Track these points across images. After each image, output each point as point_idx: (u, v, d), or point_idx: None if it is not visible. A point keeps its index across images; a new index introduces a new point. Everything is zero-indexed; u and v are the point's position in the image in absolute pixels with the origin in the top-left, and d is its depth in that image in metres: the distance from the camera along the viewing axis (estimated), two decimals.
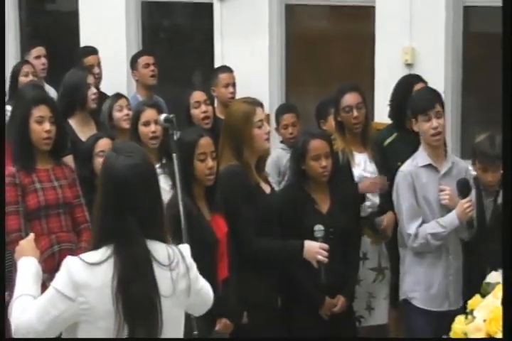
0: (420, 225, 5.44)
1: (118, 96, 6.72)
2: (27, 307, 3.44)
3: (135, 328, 3.35)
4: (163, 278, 3.40)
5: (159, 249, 3.43)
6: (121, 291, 3.33)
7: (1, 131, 5.72)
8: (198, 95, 6.59)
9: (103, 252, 3.38)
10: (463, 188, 5.47)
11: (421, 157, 5.53)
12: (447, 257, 5.54)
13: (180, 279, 3.46)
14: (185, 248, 3.57)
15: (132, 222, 3.37)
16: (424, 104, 5.51)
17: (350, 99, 5.98)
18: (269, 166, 6.06)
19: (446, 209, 5.49)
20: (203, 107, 6.52)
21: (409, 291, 5.55)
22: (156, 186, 3.51)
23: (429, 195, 5.50)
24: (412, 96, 5.85)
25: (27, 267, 3.64)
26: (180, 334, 3.56)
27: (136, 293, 3.33)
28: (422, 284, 5.51)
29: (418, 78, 6.48)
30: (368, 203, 5.99)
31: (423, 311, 5.46)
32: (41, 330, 3.38)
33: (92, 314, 3.35)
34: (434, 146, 5.51)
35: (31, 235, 3.84)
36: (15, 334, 3.44)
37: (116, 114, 6.50)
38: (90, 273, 3.35)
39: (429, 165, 5.52)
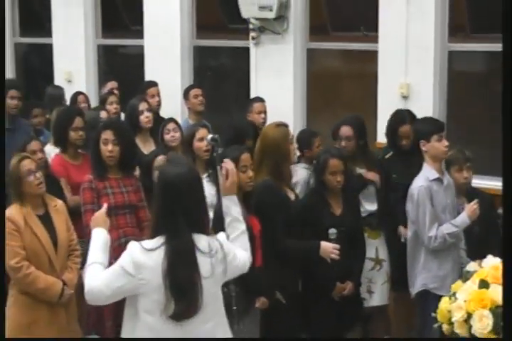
0: (437, 228, 5.37)
1: (168, 120, 6.60)
2: (97, 274, 3.50)
3: (179, 301, 3.39)
4: (204, 263, 3.45)
5: (202, 240, 3.47)
6: (169, 272, 3.38)
7: (1, 131, 5.74)
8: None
9: (156, 241, 3.45)
10: (469, 195, 5.53)
11: (430, 173, 5.45)
12: (454, 252, 5.47)
13: (219, 263, 3.49)
14: (222, 235, 3.60)
15: (180, 219, 3.41)
16: (439, 126, 5.55)
17: (341, 131, 6.03)
18: (299, 186, 5.99)
19: (455, 212, 5.48)
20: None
21: (429, 283, 5.44)
22: (200, 190, 3.54)
23: (441, 202, 5.44)
24: (424, 121, 5.80)
25: (98, 237, 3.67)
26: (221, 306, 3.61)
27: (181, 275, 3.38)
28: (438, 276, 5.43)
29: (403, 119, 6.33)
30: (362, 209, 5.96)
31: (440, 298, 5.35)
32: (108, 294, 3.46)
33: (147, 288, 3.41)
34: (440, 162, 5.48)
35: (104, 207, 3.85)
36: (87, 295, 3.51)
37: (165, 136, 6.42)
38: (147, 256, 3.42)
39: (437, 179, 5.46)
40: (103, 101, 7.85)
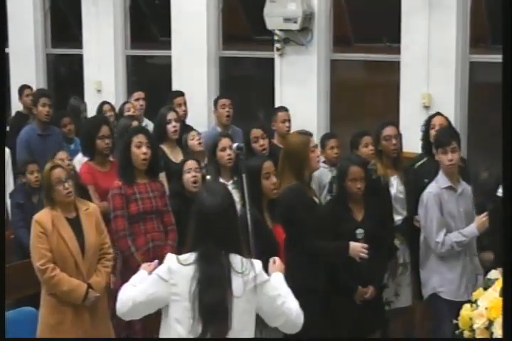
0: (445, 234, 5.32)
1: (190, 128, 6.83)
2: (130, 290, 3.57)
3: (208, 324, 3.40)
4: (236, 282, 3.46)
5: (236, 261, 3.50)
6: (200, 296, 3.40)
7: (2, 136, 5.72)
8: (255, 132, 6.48)
9: (191, 256, 3.49)
10: (479, 207, 5.41)
11: (442, 180, 5.40)
12: (465, 258, 5.42)
13: (249, 282, 3.49)
14: (257, 263, 3.60)
15: (211, 244, 3.47)
16: (442, 140, 5.41)
17: (390, 130, 5.97)
18: (313, 181, 5.97)
19: (465, 220, 5.40)
20: (261, 141, 6.41)
21: (438, 287, 5.40)
22: (235, 216, 3.62)
23: (451, 209, 5.38)
24: (436, 133, 5.74)
25: (142, 274, 3.72)
26: (252, 323, 3.57)
27: (211, 299, 3.40)
28: (446, 281, 5.38)
29: (436, 113, 6.35)
30: (399, 217, 5.90)
31: (449, 302, 5.30)
32: (139, 301, 3.49)
33: (179, 295, 3.43)
34: (449, 173, 5.40)
35: (155, 262, 3.84)
36: (118, 310, 3.55)
37: (189, 142, 6.53)
38: (181, 266, 3.46)
39: (449, 187, 5.40)
40: (121, 112, 7.86)
